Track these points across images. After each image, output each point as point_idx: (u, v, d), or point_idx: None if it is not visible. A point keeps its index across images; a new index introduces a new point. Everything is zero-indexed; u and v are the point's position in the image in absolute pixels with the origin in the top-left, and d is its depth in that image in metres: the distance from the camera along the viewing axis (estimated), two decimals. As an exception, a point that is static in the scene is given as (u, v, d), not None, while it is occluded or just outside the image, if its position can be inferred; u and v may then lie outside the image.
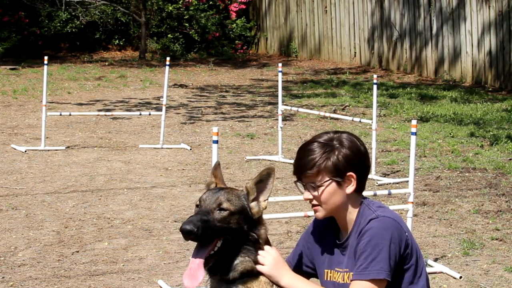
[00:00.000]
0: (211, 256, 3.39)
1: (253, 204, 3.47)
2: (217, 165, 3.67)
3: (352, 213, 3.55)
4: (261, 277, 3.45)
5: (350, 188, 3.52)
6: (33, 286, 6.08)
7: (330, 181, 3.50)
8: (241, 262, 3.41)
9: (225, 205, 3.40)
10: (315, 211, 3.58)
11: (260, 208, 3.49)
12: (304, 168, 3.54)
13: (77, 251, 6.83)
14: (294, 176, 3.62)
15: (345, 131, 3.63)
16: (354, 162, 3.51)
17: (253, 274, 3.44)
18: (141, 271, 6.42)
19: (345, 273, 3.54)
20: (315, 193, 3.53)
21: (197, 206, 3.47)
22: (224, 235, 3.39)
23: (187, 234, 3.32)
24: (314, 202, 3.55)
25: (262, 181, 3.49)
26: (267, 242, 3.52)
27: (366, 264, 3.40)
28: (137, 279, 6.26)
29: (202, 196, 3.49)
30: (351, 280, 3.45)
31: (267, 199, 3.50)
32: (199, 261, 3.38)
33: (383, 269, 3.39)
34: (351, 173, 3.50)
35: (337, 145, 3.51)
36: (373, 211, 3.50)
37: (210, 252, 3.39)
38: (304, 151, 3.57)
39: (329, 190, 3.51)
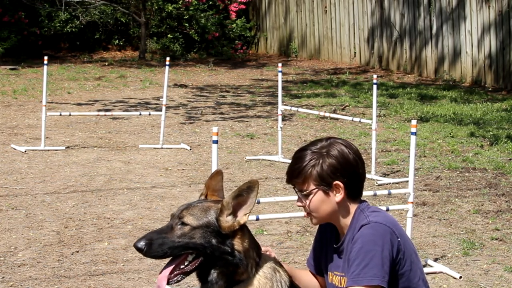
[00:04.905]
0: (180, 269, 3.38)
1: (228, 219, 3.38)
2: (215, 174, 3.60)
3: (347, 219, 3.54)
4: None
5: (339, 197, 3.50)
6: (33, 286, 6.08)
7: (317, 189, 3.49)
8: (217, 274, 3.38)
9: (186, 220, 3.39)
10: (310, 219, 3.60)
11: (235, 223, 3.38)
12: (292, 176, 3.55)
13: (77, 251, 6.83)
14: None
15: (339, 138, 3.59)
16: (341, 171, 3.48)
17: (240, 281, 3.40)
18: (141, 271, 6.41)
19: (342, 277, 3.55)
20: (305, 202, 3.54)
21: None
22: (190, 249, 3.36)
23: (137, 251, 3.34)
24: (307, 209, 3.56)
25: (241, 195, 3.40)
26: (252, 250, 3.43)
27: (358, 271, 3.38)
28: (137, 279, 6.26)
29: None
30: None
31: (249, 213, 3.40)
32: (163, 275, 3.38)
33: (376, 275, 3.36)
34: (337, 182, 3.48)
35: (325, 154, 3.49)
36: (366, 216, 3.48)
37: (180, 266, 3.38)
38: (294, 158, 3.57)
39: (317, 198, 3.51)
